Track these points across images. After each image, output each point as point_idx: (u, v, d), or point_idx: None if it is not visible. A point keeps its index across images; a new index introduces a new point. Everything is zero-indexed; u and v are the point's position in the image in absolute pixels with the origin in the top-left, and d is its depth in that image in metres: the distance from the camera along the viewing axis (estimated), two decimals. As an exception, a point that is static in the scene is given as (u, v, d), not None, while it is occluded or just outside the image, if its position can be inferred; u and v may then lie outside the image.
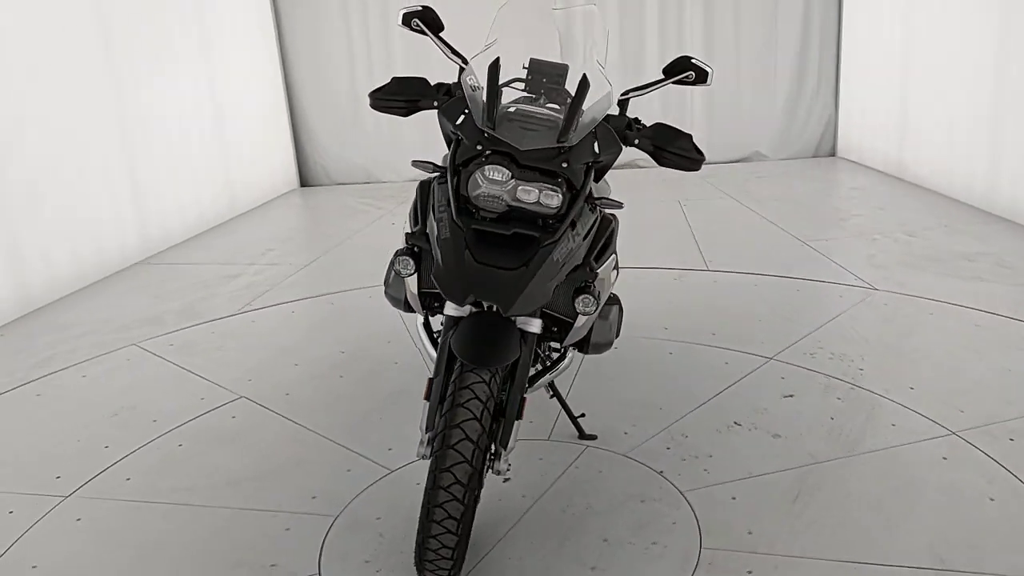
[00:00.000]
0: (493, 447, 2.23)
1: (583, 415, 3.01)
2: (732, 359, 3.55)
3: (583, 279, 2.21)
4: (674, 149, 2.41)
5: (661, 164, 2.46)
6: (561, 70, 2.28)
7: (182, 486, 2.82)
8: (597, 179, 2.33)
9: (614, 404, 3.22)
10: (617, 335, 2.76)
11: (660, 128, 2.44)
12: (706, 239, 5.37)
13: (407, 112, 2.41)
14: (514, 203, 2.11)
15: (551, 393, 2.94)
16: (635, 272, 4.72)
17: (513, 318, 2.21)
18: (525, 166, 2.10)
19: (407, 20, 2.49)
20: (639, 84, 2.47)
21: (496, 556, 2.36)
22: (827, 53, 7.75)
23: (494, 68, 2.15)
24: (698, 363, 3.54)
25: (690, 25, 7.65)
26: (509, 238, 2.10)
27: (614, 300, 2.73)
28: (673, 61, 2.46)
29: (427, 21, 2.47)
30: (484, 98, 2.14)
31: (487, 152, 2.11)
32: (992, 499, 2.51)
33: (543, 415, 3.09)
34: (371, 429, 3.12)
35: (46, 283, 4.84)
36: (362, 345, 3.92)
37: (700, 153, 2.45)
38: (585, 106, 2.19)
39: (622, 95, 2.49)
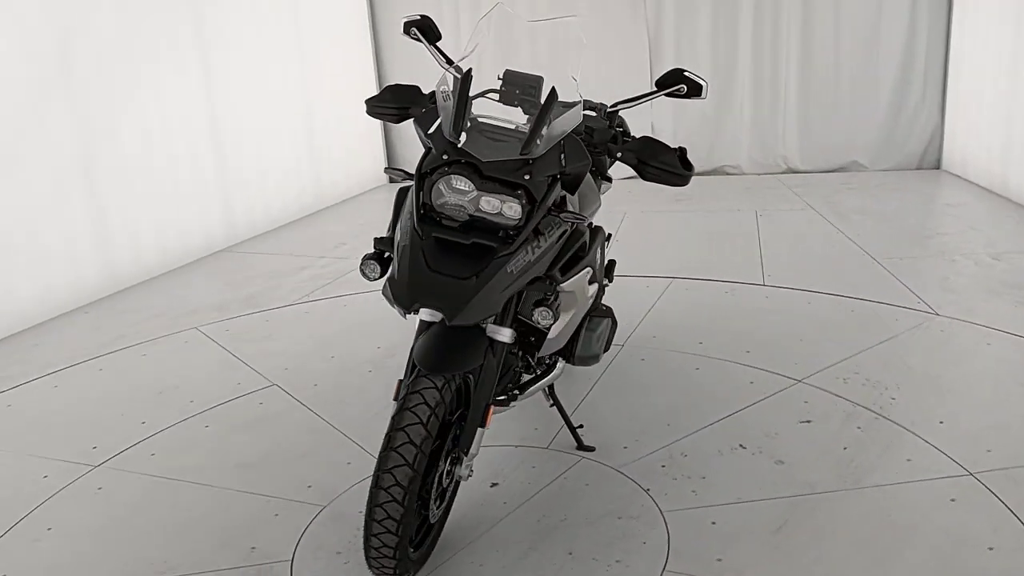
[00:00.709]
0: (456, 452, 2.27)
1: (581, 426, 3.00)
2: (759, 379, 3.44)
3: (542, 291, 2.21)
4: (657, 164, 2.39)
5: (645, 179, 2.44)
6: (534, 82, 2.29)
7: (197, 465, 3.00)
8: (572, 190, 2.32)
9: (623, 417, 3.19)
10: (606, 349, 2.74)
11: (646, 142, 2.42)
12: (771, 252, 5.19)
13: (398, 119, 2.48)
14: (476, 213, 2.14)
15: (551, 402, 2.95)
16: (686, 283, 4.64)
17: (484, 325, 2.25)
18: (489, 177, 2.13)
19: (407, 29, 2.56)
20: (629, 96, 2.45)
21: (459, 560, 2.40)
22: (934, 59, 7.32)
23: (465, 79, 2.18)
24: (722, 381, 3.45)
25: (787, 27, 7.39)
26: (468, 247, 2.13)
27: (605, 313, 2.71)
28: (666, 73, 2.44)
29: (423, 30, 2.53)
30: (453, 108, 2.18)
31: (451, 161, 2.14)
32: (992, 548, 2.34)
33: (547, 424, 3.09)
34: (383, 424, 3.17)
35: (133, 266, 5.21)
36: (399, 341, 4.02)
37: (688, 168, 2.42)
38: (555, 118, 2.19)
39: (611, 107, 2.48)
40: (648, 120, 7.60)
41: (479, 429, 2.28)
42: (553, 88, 2.17)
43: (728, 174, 7.68)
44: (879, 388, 3.31)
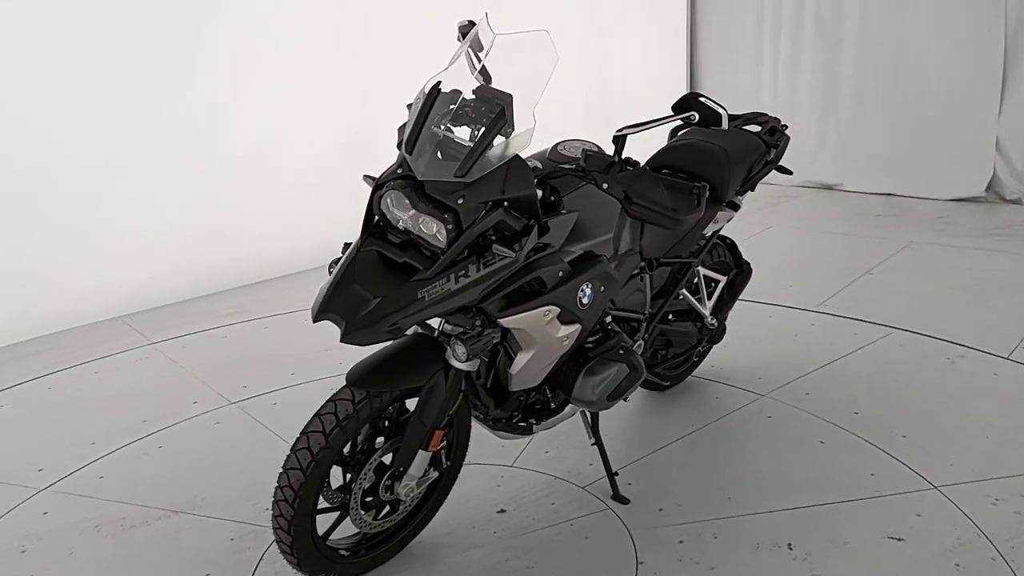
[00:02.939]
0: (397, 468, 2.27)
1: (617, 473, 2.77)
2: (887, 473, 2.83)
3: (463, 323, 2.09)
4: (641, 201, 2.13)
5: (629, 216, 2.18)
6: (503, 100, 2.11)
7: (290, 422, 3.26)
8: (535, 217, 2.12)
9: (690, 475, 2.87)
10: (613, 398, 2.48)
11: (638, 176, 2.16)
12: (1055, 318, 4.11)
13: None
14: (416, 232, 2.08)
15: (593, 440, 2.76)
16: (907, 338, 3.92)
17: (444, 348, 2.20)
18: (429, 197, 2.05)
19: (459, 34, 2.52)
20: (637, 122, 2.18)
21: None
22: None
23: (432, 92, 2.12)
24: (840, 464, 2.90)
25: None
26: (402, 265, 2.08)
27: (618, 358, 2.46)
28: (681, 97, 2.15)
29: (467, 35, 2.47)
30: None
31: (401, 176, 2.10)
32: None
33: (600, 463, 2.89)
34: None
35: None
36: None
37: (690, 208, 2.10)
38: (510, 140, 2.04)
39: (617, 132, 2.23)
40: (994, 133, 6.35)
41: (420, 451, 2.25)
42: (502, 109, 2.02)
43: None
44: (1035, 523, 2.53)
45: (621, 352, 2.49)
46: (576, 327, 2.28)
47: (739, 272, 3.39)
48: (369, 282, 2.06)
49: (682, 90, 7.68)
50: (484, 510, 2.71)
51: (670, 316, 3.16)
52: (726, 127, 2.18)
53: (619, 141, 2.22)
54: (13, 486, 2.96)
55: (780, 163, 3.33)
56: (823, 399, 3.36)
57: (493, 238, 2.07)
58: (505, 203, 2.05)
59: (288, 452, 2.14)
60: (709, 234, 3.05)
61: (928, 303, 4.38)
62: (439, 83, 2.14)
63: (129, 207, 4.58)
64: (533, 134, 2.05)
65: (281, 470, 2.14)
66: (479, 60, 2.37)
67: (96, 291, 4.54)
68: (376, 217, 2.17)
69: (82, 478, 3.01)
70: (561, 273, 2.19)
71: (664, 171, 3.05)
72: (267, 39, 4.98)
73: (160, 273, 4.77)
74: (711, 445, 3.07)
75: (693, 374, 3.52)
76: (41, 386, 3.80)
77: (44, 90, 4.16)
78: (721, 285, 3.17)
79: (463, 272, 2.03)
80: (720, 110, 2.15)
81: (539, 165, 2.23)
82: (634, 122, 2.27)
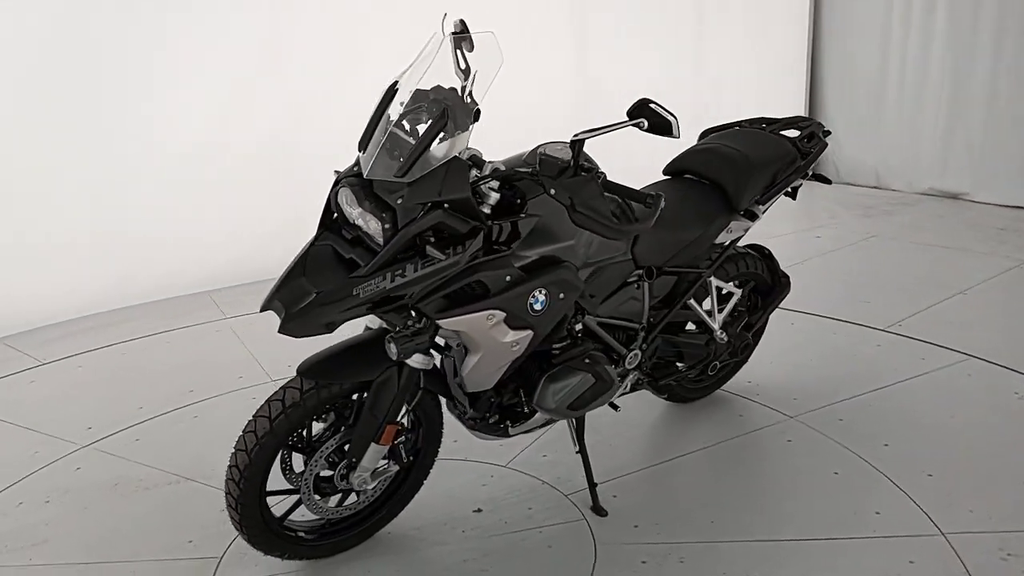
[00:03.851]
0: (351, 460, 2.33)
1: (596, 484, 2.71)
2: (894, 513, 2.63)
3: (397, 321, 2.11)
4: (582, 209, 2.08)
5: (573, 223, 2.14)
6: (448, 99, 2.09)
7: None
8: (474, 217, 2.10)
9: (680, 494, 2.78)
10: (578, 407, 2.43)
11: (585, 183, 2.10)
12: None
13: None
14: (364, 229, 2.12)
15: (577, 448, 2.72)
16: (981, 367, 3.63)
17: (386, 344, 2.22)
18: (375, 195, 2.09)
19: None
20: (593, 127, 2.12)
21: (350, 567, 2.47)
22: None
23: (389, 91, 2.15)
24: (842, 498, 2.72)
25: None
26: (348, 261, 2.12)
27: (584, 367, 2.41)
28: (636, 103, 2.08)
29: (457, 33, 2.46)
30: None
31: (355, 174, 2.14)
32: None
33: (595, 473, 2.83)
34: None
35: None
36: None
37: (636, 219, 2.03)
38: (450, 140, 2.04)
39: (574, 137, 2.17)
40: None
41: (373, 444, 2.29)
42: (445, 110, 2.02)
43: None
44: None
45: (587, 361, 2.43)
46: (528, 333, 2.25)
47: (775, 285, 3.22)
48: (317, 276, 2.11)
49: (801, 100, 7.31)
50: (462, 508, 2.73)
51: (690, 326, 3.05)
52: (677, 135, 2.09)
53: (575, 146, 2.17)
54: (62, 441, 3.26)
55: (818, 171, 3.16)
56: (856, 427, 3.13)
57: (432, 239, 2.08)
58: (446, 205, 2.06)
59: (240, 433, 2.25)
60: (726, 244, 2.92)
61: (1017, 331, 3.97)
62: (396, 82, 2.17)
63: (220, 194, 4.90)
64: (470, 136, 2.05)
65: (232, 450, 2.25)
66: (464, 60, 2.38)
67: (186, 266, 4.90)
68: (334, 213, 2.23)
69: (120, 439, 3.28)
70: (509, 277, 2.17)
71: (685, 175, 2.96)
72: (357, 36, 5.16)
73: (246, 253, 5.07)
74: (716, 464, 2.94)
75: (723, 388, 3.38)
76: (118, 352, 4.15)
77: (129, 85, 4.52)
78: (734, 299, 3.02)
79: (399, 271, 2.05)
80: (670, 118, 2.06)
81: (501, 167, 2.22)
82: (591, 127, 2.20)
